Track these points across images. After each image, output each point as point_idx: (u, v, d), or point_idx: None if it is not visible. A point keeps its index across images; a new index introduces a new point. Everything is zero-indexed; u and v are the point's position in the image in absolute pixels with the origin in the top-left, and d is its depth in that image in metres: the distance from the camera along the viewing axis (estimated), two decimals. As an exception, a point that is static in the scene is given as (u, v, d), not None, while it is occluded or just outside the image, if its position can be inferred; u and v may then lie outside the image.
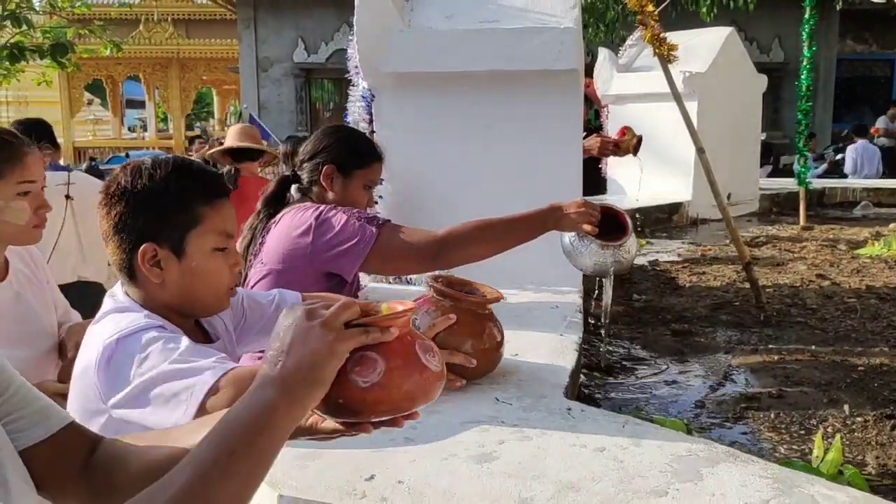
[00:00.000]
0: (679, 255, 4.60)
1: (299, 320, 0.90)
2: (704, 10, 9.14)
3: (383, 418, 0.94)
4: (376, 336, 0.91)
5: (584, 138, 6.64)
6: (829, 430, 2.18)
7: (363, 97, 3.16)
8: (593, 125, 6.62)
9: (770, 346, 2.91)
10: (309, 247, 2.15)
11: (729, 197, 5.92)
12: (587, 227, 2.13)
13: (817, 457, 1.93)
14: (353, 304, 0.93)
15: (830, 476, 1.84)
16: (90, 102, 26.12)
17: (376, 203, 3.02)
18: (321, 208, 2.21)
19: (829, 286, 3.68)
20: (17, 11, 11.55)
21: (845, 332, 3.04)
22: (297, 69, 15.84)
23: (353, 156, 2.41)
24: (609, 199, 5.69)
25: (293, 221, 2.21)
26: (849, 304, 3.38)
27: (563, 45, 2.83)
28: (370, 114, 3.13)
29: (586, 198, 2.41)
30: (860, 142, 10.34)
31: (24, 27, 11.67)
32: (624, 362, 2.80)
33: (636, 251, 2.51)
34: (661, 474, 1.48)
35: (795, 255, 4.44)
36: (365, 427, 0.96)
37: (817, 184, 6.73)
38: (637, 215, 5.34)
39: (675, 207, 5.72)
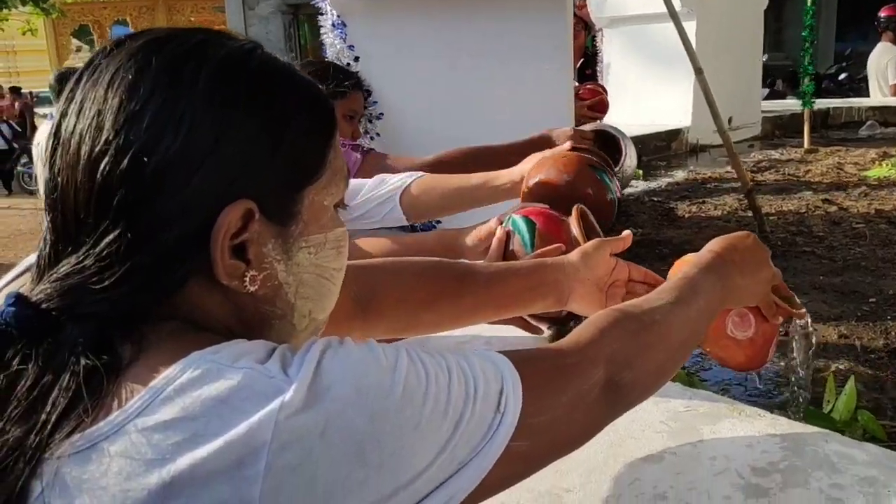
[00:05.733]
0: (678, 183, 4.39)
1: (758, 242, 1.03)
2: None
3: (716, 358, 1.09)
4: (778, 313, 1.05)
5: (580, 67, 6.40)
6: (842, 368, 2.02)
7: (334, 25, 2.94)
8: (591, 51, 6.30)
9: (775, 278, 2.73)
10: None
11: (730, 121, 5.68)
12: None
13: (828, 401, 1.77)
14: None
15: (843, 422, 1.68)
16: (78, 49, 25.66)
17: (370, 137, 2.89)
18: None
19: (836, 211, 3.48)
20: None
21: (854, 260, 2.85)
22: (285, 6, 15.38)
23: (328, 87, 2.25)
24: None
25: None
26: (857, 230, 3.19)
27: (546, -42, 2.59)
28: (344, 41, 2.92)
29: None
30: None
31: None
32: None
33: (632, 172, 2.39)
34: (657, 435, 1.31)
35: (800, 180, 4.23)
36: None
37: (821, 104, 6.46)
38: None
39: (673, 134, 5.48)
